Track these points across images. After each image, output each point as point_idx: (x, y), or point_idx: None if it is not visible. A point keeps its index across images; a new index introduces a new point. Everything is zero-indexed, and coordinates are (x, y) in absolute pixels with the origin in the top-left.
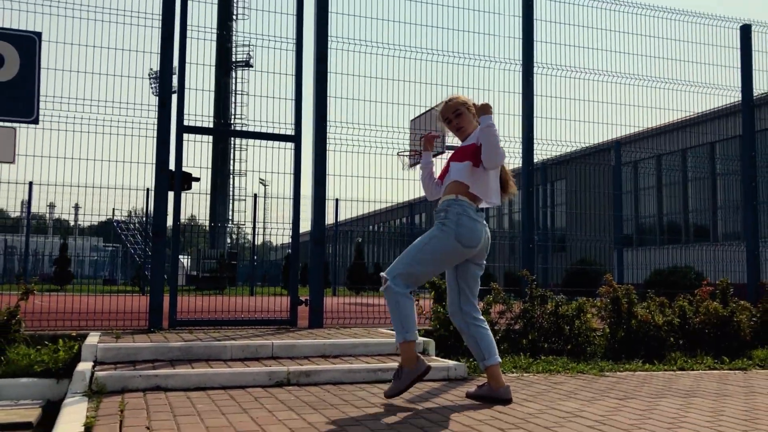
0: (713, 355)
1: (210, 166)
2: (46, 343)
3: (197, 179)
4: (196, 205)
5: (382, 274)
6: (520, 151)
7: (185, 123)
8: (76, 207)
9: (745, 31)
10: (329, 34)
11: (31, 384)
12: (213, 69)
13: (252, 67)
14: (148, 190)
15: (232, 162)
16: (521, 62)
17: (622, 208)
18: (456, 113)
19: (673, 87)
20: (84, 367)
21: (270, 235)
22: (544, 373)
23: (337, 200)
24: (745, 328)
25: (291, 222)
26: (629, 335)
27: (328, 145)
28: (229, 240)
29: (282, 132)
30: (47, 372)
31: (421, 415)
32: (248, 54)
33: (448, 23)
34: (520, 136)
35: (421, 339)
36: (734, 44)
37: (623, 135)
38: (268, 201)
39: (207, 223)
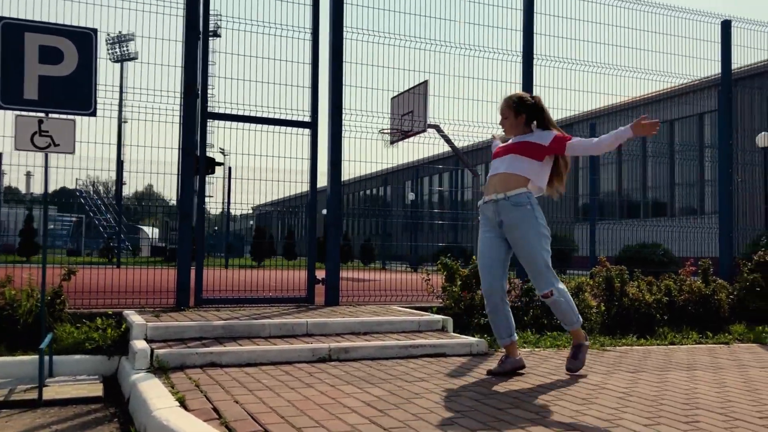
0: (698, 330)
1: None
2: (85, 321)
3: (220, 164)
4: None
5: (545, 292)
6: None
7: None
8: (28, 175)
9: (726, 26)
10: (344, 25)
11: (83, 360)
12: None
13: (219, 36)
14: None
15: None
16: (522, 54)
17: (597, 186)
18: (503, 117)
19: (660, 79)
20: (142, 345)
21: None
22: (552, 348)
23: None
24: (724, 305)
25: (308, 206)
26: (621, 312)
27: (343, 131)
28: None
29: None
30: (98, 349)
31: (470, 388)
32: (216, 24)
33: (452, 15)
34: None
35: (440, 317)
36: (716, 38)
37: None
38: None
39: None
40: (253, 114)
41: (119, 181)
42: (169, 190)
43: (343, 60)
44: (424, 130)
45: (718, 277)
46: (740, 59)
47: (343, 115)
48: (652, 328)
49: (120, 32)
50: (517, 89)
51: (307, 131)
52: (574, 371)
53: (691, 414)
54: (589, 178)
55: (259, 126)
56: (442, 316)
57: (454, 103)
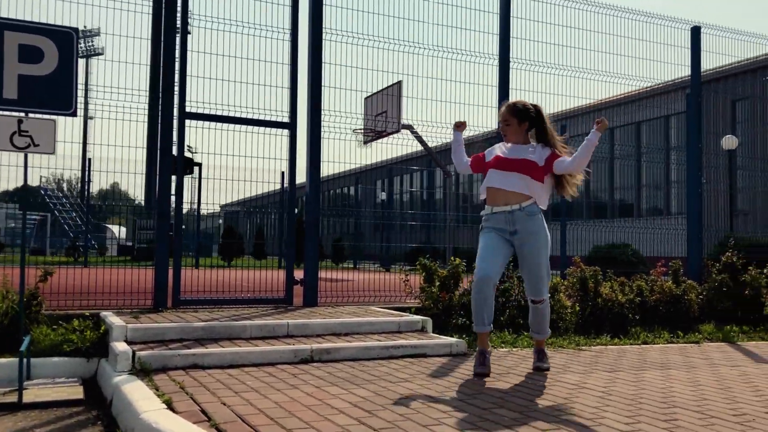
0: (669, 329)
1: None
2: (61, 322)
3: (199, 164)
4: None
5: (542, 298)
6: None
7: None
8: None
9: (696, 32)
10: (323, 26)
11: (61, 363)
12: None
13: (189, 33)
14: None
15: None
16: (498, 57)
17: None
18: (505, 122)
19: (629, 82)
20: (124, 347)
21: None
22: (529, 347)
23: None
24: (694, 305)
25: (287, 206)
26: (595, 312)
27: (322, 132)
28: None
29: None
30: (76, 351)
31: (453, 388)
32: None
33: (430, 18)
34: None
35: (419, 317)
36: (684, 44)
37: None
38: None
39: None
40: (229, 114)
41: (84, 180)
42: (134, 188)
43: (323, 61)
44: (397, 131)
45: (687, 278)
46: (706, 64)
47: (322, 116)
48: (625, 328)
49: (85, 27)
50: (493, 92)
51: (283, 132)
52: (546, 369)
53: (669, 413)
54: None
55: (232, 126)
56: (422, 317)
57: (429, 104)
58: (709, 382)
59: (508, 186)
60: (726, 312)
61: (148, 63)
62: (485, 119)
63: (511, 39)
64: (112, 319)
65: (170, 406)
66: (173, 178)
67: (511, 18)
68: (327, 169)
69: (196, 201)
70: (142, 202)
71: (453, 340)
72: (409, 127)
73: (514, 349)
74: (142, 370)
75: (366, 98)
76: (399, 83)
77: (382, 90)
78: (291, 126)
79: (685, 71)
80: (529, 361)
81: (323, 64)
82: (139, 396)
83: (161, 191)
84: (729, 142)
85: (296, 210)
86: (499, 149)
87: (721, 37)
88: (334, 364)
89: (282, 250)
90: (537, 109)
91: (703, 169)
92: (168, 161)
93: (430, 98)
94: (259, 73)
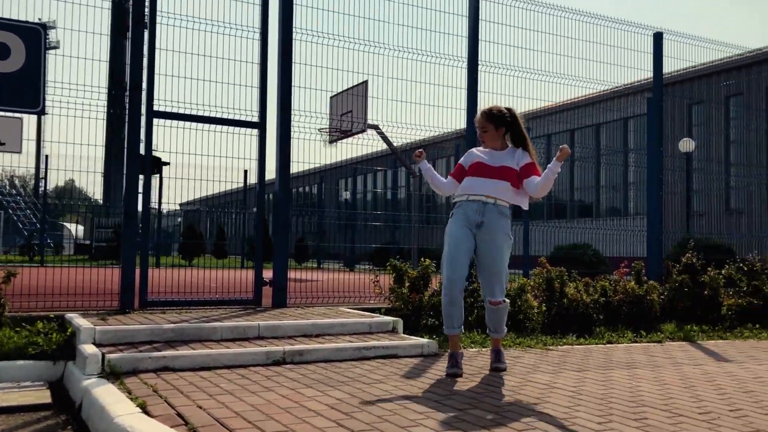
0: (632, 329)
1: (104, 135)
2: (24, 324)
3: (167, 163)
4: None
5: (501, 299)
6: (465, 142)
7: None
8: None
9: (658, 38)
10: (294, 26)
11: (27, 366)
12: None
13: (146, 28)
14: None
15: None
16: (467, 60)
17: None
18: (482, 129)
19: (590, 86)
20: (93, 350)
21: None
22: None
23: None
24: (656, 305)
25: (255, 207)
26: (561, 312)
27: (292, 132)
28: None
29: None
30: (42, 354)
31: (427, 389)
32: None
33: (400, 19)
34: (465, 128)
35: (390, 318)
36: (644, 48)
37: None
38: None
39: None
40: (198, 113)
41: (39, 177)
42: (92, 186)
43: (293, 61)
44: (363, 131)
45: (648, 278)
46: (664, 68)
47: (292, 115)
48: (590, 328)
49: (39, 18)
50: (461, 94)
51: (253, 131)
52: (504, 370)
53: (639, 411)
54: None
55: (201, 125)
56: (393, 318)
57: (396, 105)
58: (674, 381)
59: (489, 192)
60: (686, 311)
61: (107, 59)
62: (453, 120)
63: (479, 42)
64: (79, 321)
65: (145, 409)
66: (141, 177)
67: (480, 21)
68: (292, 168)
69: (156, 199)
70: (100, 200)
71: (424, 340)
72: (375, 127)
73: (483, 349)
74: (113, 373)
75: (332, 97)
76: (365, 83)
77: (348, 89)
78: (260, 125)
79: (644, 75)
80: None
81: (293, 64)
82: (111, 400)
83: (128, 191)
84: (686, 145)
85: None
86: (476, 155)
87: (681, 43)
88: (307, 365)
89: (244, 250)
90: (512, 113)
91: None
92: (136, 160)
93: (398, 99)
94: (229, 72)
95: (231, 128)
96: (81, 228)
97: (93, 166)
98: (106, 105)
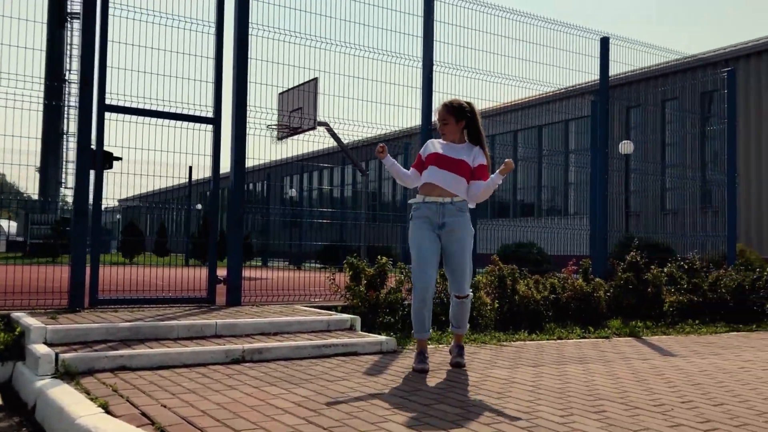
0: (580, 325)
1: (40, 127)
2: None
3: (119, 158)
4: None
5: (467, 293)
6: (420, 140)
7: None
8: None
9: (605, 43)
10: (250, 21)
11: None
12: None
13: (77, 19)
14: None
15: (66, 123)
16: (422, 60)
17: None
18: (443, 122)
19: (533, 87)
20: (45, 349)
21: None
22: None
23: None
24: (603, 302)
25: (209, 205)
26: (513, 309)
27: (248, 129)
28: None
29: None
30: None
31: (392, 386)
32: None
33: (356, 17)
34: (420, 127)
35: (348, 316)
36: (595, 53)
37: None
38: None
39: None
40: (151, 107)
41: None
42: (25, 181)
43: (248, 56)
44: (314, 128)
45: (593, 276)
46: (575, 64)
47: (248, 112)
48: (541, 324)
49: None
50: (417, 93)
51: (205, 126)
52: (464, 366)
53: (597, 405)
54: None
55: (153, 120)
56: (351, 316)
57: (348, 102)
58: (626, 375)
59: (445, 184)
60: (631, 308)
61: (44, 49)
62: (404, 119)
63: (434, 42)
64: (28, 320)
65: (107, 409)
66: (92, 173)
67: (434, 22)
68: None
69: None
70: (34, 196)
71: (383, 338)
72: (325, 125)
73: (440, 346)
74: (67, 374)
75: (280, 93)
76: (315, 80)
77: (298, 86)
78: (215, 121)
79: (587, 77)
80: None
81: (249, 60)
82: (70, 400)
83: (79, 187)
84: (626, 147)
85: (200, 206)
86: (435, 146)
87: (623, 47)
88: (267, 363)
89: (188, 247)
90: (471, 108)
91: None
92: (87, 156)
93: (350, 96)
94: (184, 67)
95: (185, 123)
96: (14, 224)
97: (27, 159)
98: (42, 96)
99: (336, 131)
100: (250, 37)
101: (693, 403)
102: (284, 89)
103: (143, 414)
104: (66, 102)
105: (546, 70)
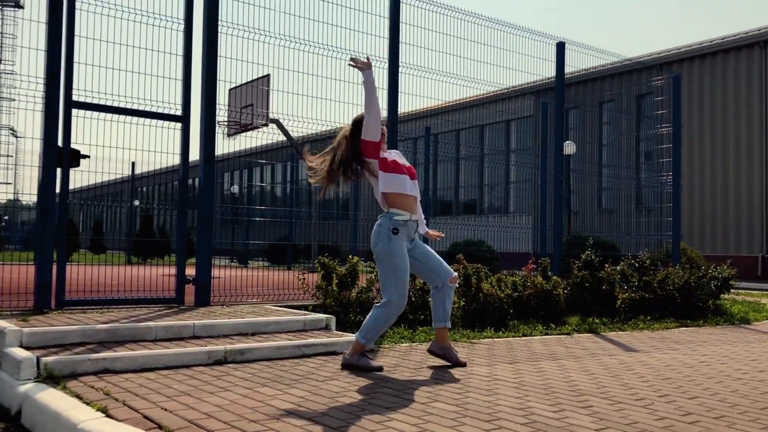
0: (542, 322)
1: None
2: None
3: (86, 156)
4: None
5: (456, 275)
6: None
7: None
8: None
9: (560, 47)
10: (219, 18)
11: None
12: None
13: (23, 7)
14: None
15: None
16: (388, 61)
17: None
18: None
19: (487, 88)
20: (25, 353)
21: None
22: (428, 342)
23: None
24: (562, 300)
25: (178, 202)
26: (478, 307)
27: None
28: None
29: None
30: None
31: (382, 384)
32: None
33: (322, 17)
34: (388, 125)
35: (323, 315)
36: (551, 57)
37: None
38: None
39: None
40: (119, 105)
41: None
42: None
43: (218, 54)
44: (266, 125)
45: (551, 274)
46: (546, 72)
47: (217, 110)
48: (505, 321)
49: None
50: (383, 94)
51: (173, 124)
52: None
53: (583, 400)
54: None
55: (121, 117)
56: (326, 315)
57: (302, 99)
58: (599, 371)
59: (415, 193)
60: (587, 305)
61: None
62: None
63: (400, 44)
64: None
65: (107, 414)
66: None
67: (401, 23)
68: (167, 160)
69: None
70: None
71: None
72: (276, 122)
73: (413, 344)
74: (50, 377)
75: (231, 89)
76: (267, 76)
77: (250, 82)
78: (184, 119)
79: (528, 78)
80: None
81: (218, 58)
82: (65, 405)
83: (45, 185)
84: (567, 147)
85: (138, 203)
86: (392, 155)
87: (579, 52)
88: (251, 364)
89: (130, 245)
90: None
91: (536, 171)
92: (53, 153)
93: (307, 94)
94: (152, 64)
95: (154, 121)
96: None
97: None
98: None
99: (288, 128)
100: (219, 35)
101: (670, 397)
102: (235, 85)
103: (146, 417)
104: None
105: (492, 70)
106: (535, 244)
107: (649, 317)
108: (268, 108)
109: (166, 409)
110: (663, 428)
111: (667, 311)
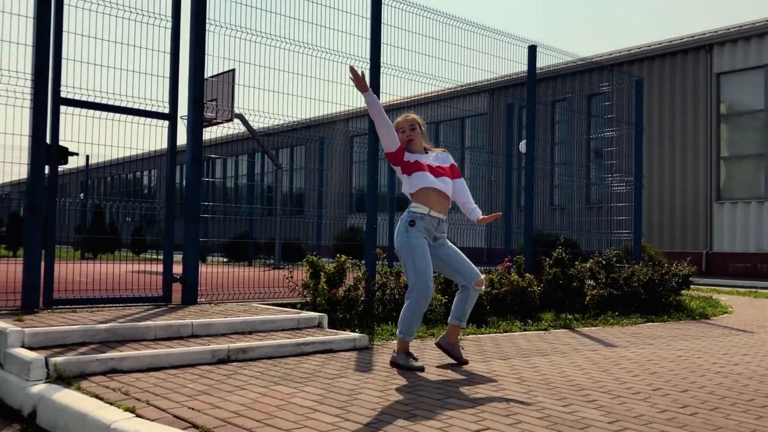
0: (519, 318)
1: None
2: None
3: (75, 153)
4: None
5: (483, 277)
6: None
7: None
8: None
9: (532, 50)
10: (207, 16)
11: None
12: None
13: None
14: None
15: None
16: (369, 61)
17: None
18: (412, 127)
19: (443, 84)
20: (32, 354)
21: None
22: (417, 339)
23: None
24: (536, 296)
25: (165, 199)
26: None
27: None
28: None
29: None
30: None
31: (391, 381)
32: None
33: (304, 15)
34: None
35: (316, 313)
36: (523, 60)
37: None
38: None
39: None
40: (108, 102)
41: None
42: None
43: (206, 52)
44: (230, 119)
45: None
46: (501, 70)
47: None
48: (484, 318)
49: None
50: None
51: (160, 122)
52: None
53: (584, 394)
54: (386, 172)
55: (109, 114)
56: (319, 313)
57: (269, 95)
58: (587, 366)
59: (449, 192)
60: (559, 301)
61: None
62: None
63: (381, 45)
64: None
65: (136, 413)
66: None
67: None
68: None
69: None
70: None
71: (356, 335)
72: (240, 117)
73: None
74: (60, 378)
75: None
76: (233, 71)
77: (214, 76)
78: (171, 117)
79: (485, 75)
80: (429, 352)
81: (206, 56)
82: (90, 406)
83: (33, 183)
84: (524, 146)
85: (82, 196)
86: (416, 157)
87: (545, 54)
88: (255, 362)
89: (79, 240)
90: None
91: (494, 169)
92: (41, 150)
93: (271, 89)
94: (140, 61)
95: (141, 119)
96: None
97: None
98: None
99: (252, 123)
100: (207, 33)
101: (663, 391)
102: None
103: (177, 417)
104: None
105: (462, 69)
106: (488, 239)
107: (617, 313)
108: (233, 103)
109: (193, 409)
110: (667, 420)
111: (633, 307)
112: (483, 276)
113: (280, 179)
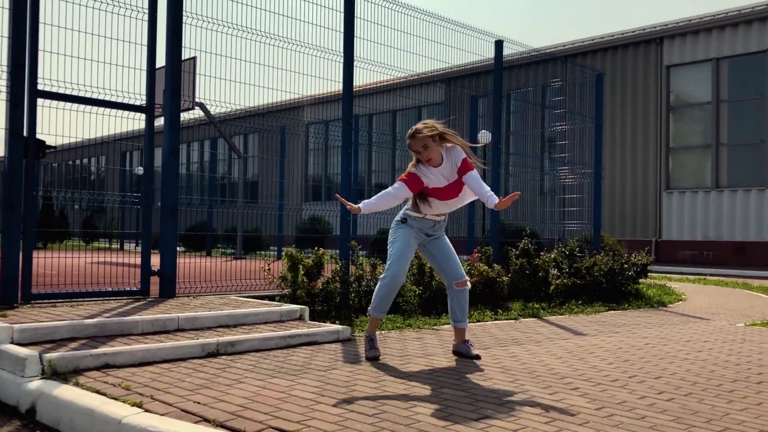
0: (489, 308)
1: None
2: None
3: (52, 147)
4: None
5: (465, 279)
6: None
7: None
8: None
9: (499, 45)
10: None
11: None
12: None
13: None
14: None
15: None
16: (343, 54)
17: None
18: (424, 146)
19: (398, 73)
20: (25, 350)
21: None
22: (395, 330)
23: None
24: (505, 286)
25: (143, 192)
26: (431, 295)
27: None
28: None
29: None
30: None
31: (384, 373)
32: None
33: (278, 8)
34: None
35: (297, 306)
36: (490, 54)
37: None
38: None
39: None
40: (84, 95)
41: None
42: None
43: (182, 44)
44: (192, 108)
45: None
46: (456, 59)
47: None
48: None
49: None
50: (338, 86)
51: (139, 115)
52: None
53: (567, 382)
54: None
55: (83, 107)
56: (300, 306)
57: (228, 84)
58: (563, 354)
59: (452, 209)
60: (525, 291)
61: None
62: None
63: (354, 38)
64: None
65: (144, 409)
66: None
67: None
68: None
69: None
70: None
71: (339, 327)
72: (201, 105)
73: (381, 332)
74: (56, 374)
75: (158, 69)
76: (193, 59)
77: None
78: (148, 110)
79: (438, 65)
80: (415, 343)
81: (183, 49)
82: (95, 401)
83: (11, 177)
84: (484, 137)
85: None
86: (427, 176)
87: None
88: (244, 356)
89: (30, 233)
90: (434, 125)
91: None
92: (18, 144)
93: (233, 79)
94: (118, 54)
95: (119, 112)
96: None
97: None
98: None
99: (211, 110)
100: (184, 25)
101: (638, 377)
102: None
103: (184, 411)
104: None
105: (430, 62)
106: (451, 228)
107: (580, 301)
108: (194, 91)
109: (198, 403)
110: (648, 406)
111: (595, 295)
112: (467, 278)
113: (241, 168)
